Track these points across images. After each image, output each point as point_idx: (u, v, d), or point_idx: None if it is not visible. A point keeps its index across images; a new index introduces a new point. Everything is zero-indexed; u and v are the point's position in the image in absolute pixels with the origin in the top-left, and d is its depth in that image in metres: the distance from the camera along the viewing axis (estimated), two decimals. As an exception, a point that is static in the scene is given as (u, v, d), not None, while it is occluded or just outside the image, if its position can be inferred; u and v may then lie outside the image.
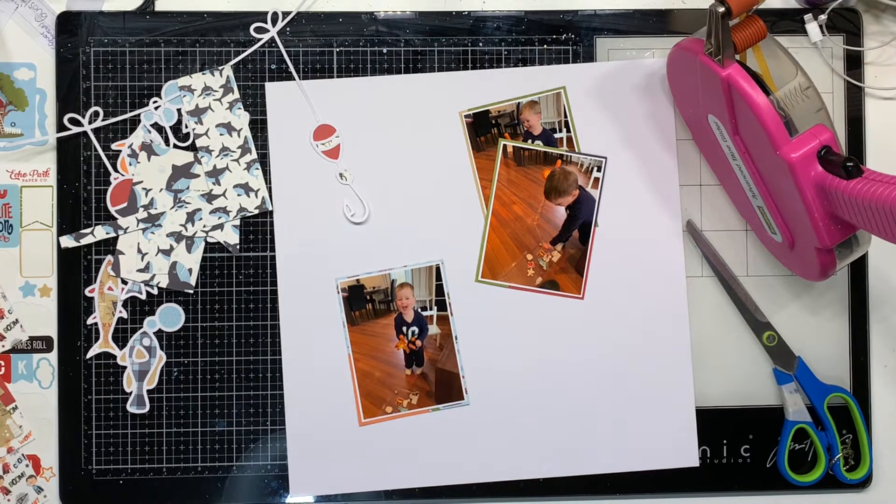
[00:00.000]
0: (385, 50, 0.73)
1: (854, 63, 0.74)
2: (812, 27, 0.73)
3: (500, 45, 0.73)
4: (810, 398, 0.73)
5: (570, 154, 0.70)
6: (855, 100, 0.74)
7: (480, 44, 0.73)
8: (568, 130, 0.73)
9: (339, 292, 0.72)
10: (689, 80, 0.67)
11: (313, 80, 0.72)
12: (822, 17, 0.72)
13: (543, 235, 0.73)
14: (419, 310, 0.72)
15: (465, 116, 0.73)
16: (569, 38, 0.73)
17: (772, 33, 0.63)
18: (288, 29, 0.73)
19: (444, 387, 0.72)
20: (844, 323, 0.74)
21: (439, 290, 0.72)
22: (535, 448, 0.72)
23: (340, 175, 0.72)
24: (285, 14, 0.72)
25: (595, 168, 0.72)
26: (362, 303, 0.72)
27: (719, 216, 0.74)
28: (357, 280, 0.72)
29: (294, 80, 0.72)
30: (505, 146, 0.71)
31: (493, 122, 0.73)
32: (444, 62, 0.73)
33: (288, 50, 0.72)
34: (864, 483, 0.73)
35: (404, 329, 0.72)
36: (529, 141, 0.72)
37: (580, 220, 0.72)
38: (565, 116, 0.73)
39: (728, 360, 0.74)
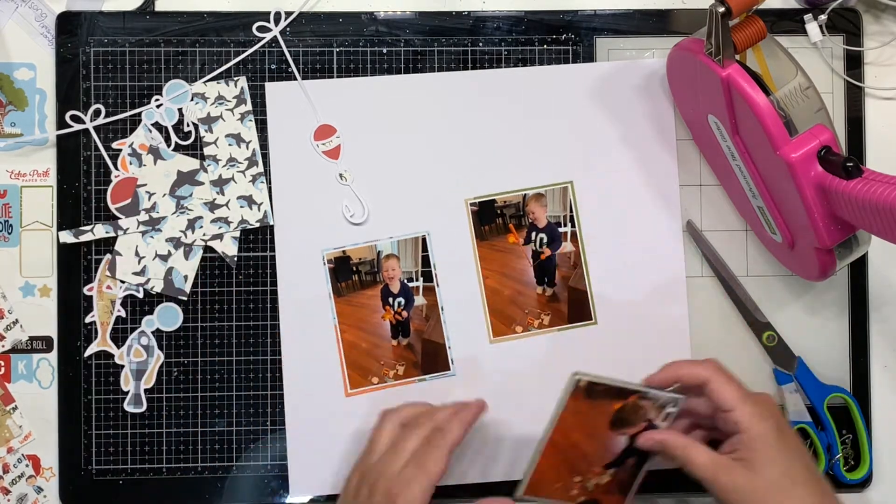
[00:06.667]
0: (385, 50, 0.73)
1: (854, 63, 0.74)
2: (812, 27, 0.73)
3: (500, 45, 0.73)
4: (810, 398, 0.73)
5: (647, 390, 0.64)
6: (855, 100, 0.74)
7: (480, 44, 0.73)
8: (573, 225, 0.72)
9: (325, 264, 0.71)
10: (689, 80, 0.67)
11: (313, 80, 0.72)
12: (822, 17, 0.72)
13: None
14: (405, 280, 0.72)
15: (471, 205, 0.72)
16: (569, 38, 0.73)
17: (772, 33, 0.63)
18: (288, 29, 0.73)
19: (430, 357, 0.72)
20: (844, 323, 0.74)
21: (425, 261, 0.72)
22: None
23: (340, 175, 0.72)
24: (287, 14, 0.72)
25: (670, 404, 0.64)
26: (348, 274, 0.72)
27: (719, 216, 0.74)
28: (343, 251, 0.72)
29: (294, 79, 0.72)
30: (578, 381, 0.62)
31: (499, 211, 0.72)
32: (444, 62, 0.73)
33: (288, 50, 0.72)
34: (864, 483, 0.73)
35: (390, 300, 0.72)
36: (534, 233, 0.72)
37: None
38: (571, 210, 0.72)
39: (728, 360, 0.73)
